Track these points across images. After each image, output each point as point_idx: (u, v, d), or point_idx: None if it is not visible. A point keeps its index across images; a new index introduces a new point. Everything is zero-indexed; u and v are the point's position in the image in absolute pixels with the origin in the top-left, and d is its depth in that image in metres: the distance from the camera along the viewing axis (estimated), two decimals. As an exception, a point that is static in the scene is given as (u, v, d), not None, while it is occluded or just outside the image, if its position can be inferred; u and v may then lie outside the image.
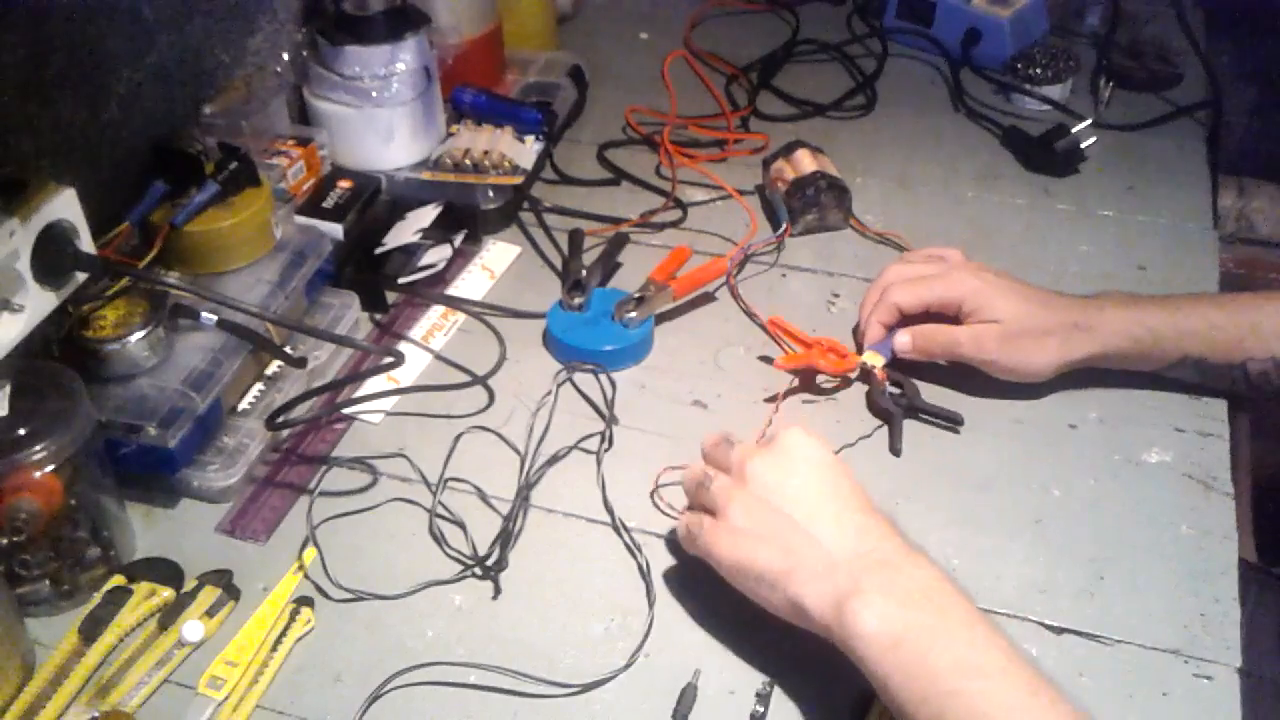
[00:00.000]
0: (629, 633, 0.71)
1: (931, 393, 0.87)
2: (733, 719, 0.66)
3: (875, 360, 0.87)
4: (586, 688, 0.68)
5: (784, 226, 1.03)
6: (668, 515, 0.79)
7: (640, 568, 0.75)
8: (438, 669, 0.69)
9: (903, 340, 0.86)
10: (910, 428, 0.84)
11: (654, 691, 0.68)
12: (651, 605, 0.72)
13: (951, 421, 0.84)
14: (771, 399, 0.87)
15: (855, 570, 0.62)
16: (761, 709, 0.66)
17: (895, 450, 0.82)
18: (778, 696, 0.67)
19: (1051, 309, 0.82)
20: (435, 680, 0.68)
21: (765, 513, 0.66)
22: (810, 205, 1.02)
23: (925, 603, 0.60)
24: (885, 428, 0.84)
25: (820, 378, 0.88)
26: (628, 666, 0.69)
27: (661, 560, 0.76)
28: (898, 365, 0.87)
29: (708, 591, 0.74)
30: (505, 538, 0.77)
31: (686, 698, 0.67)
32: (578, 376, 0.90)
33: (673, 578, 0.75)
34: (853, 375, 0.88)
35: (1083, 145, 1.11)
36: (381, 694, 0.67)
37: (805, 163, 1.04)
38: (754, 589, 0.66)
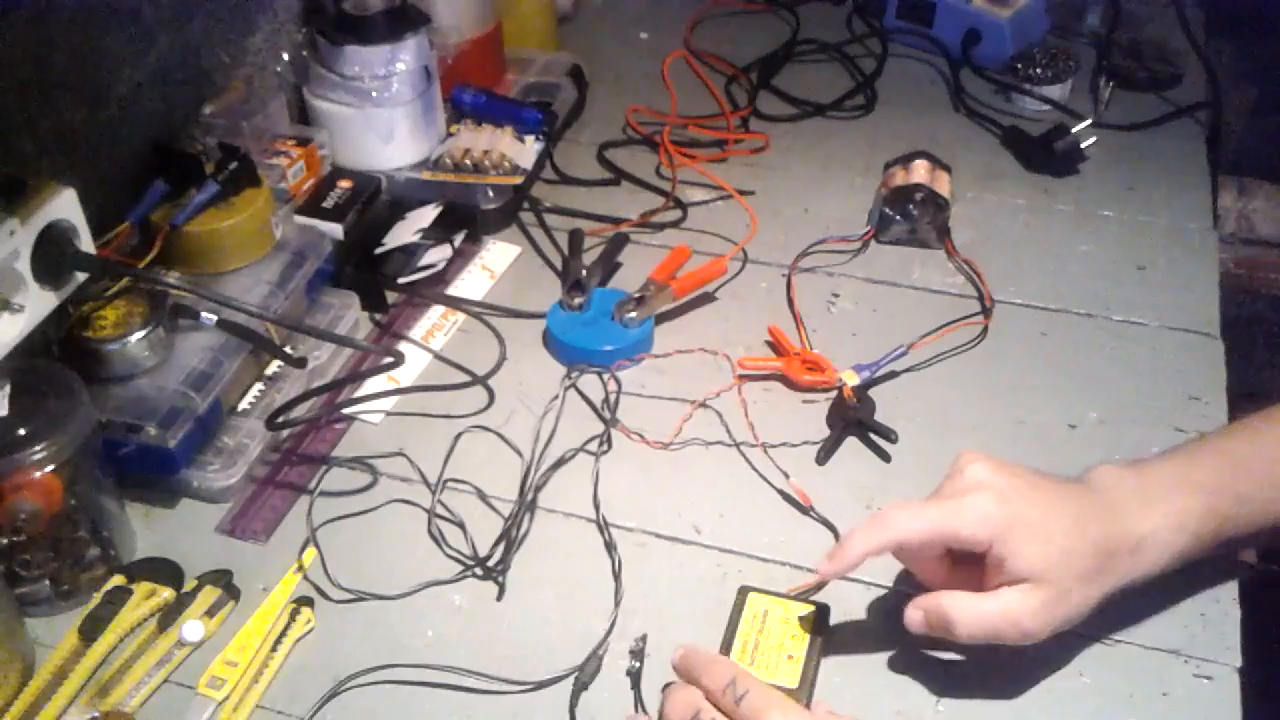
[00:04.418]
0: (629, 633, 0.71)
1: (925, 392, 0.87)
2: (733, 719, 0.67)
3: (851, 379, 0.86)
4: (586, 688, 0.68)
5: (867, 229, 1.03)
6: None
7: (640, 569, 0.75)
8: (437, 670, 0.69)
9: (914, 616, 0.65)
10: (919, 426, 0.84)
11: (654, 691, 0.68)
12: (651, 606, 0.72)
13: (885, 438, 0.82)
14: (743, 376, 0.88)
15: None
16: (761, 709, 0.66)
17: (819, 459, 0.82)
18: (778, 696, 0.67)
19: (1087, 536, 0.63)
20: (435, 680, 0.68)
21: None
22: (904, 216, 1.01)
23: None
24: (851, 437, 0.84)
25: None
26: (627, 667, 0.69)
27: (661, 560, 0.76)
28: (866, 387, 0.87)
29: (708, 592, 0.74)
30: (507, 539, 0.77)
31: (686, 698, 0.67)
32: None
33: (673, 578, 0.75)
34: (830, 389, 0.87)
35: (1083, 145, 1.11)
36: (348, 690, 0.67)
37: (918, 174, 1.03)
38: None
